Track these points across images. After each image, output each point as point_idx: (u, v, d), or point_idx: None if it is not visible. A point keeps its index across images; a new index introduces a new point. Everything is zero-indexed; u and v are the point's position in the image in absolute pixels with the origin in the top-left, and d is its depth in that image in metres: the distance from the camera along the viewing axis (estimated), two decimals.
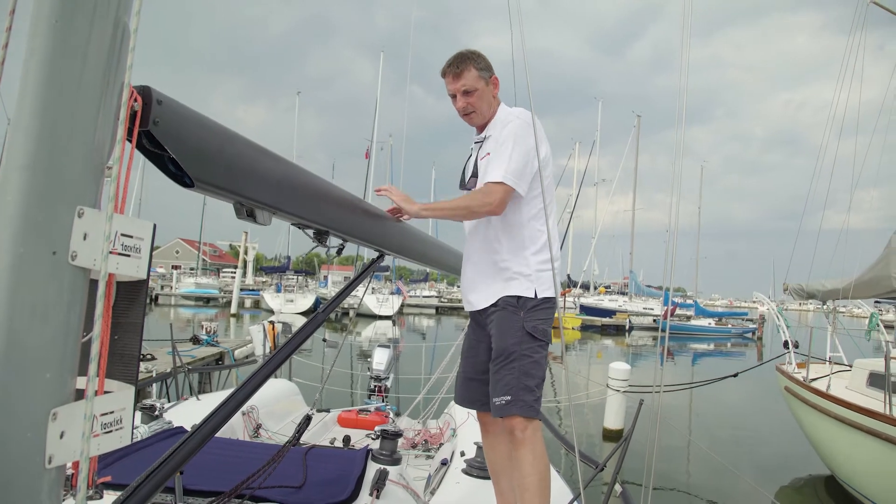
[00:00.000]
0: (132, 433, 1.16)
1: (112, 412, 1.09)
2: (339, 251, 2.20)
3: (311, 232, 1.99)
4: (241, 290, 40.24)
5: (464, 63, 2.46)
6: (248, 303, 43.39)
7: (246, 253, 42.56)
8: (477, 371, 2.51)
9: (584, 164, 46.14)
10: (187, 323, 27.24)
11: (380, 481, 2.63)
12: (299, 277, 47.07)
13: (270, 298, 39.64)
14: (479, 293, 2.50)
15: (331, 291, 43.99)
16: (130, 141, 1.21)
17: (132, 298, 1.21)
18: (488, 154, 2.45)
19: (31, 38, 0.95)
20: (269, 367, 1.91)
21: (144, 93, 1.21)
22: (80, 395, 1.01)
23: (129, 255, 1.11)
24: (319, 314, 2.04)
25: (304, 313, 36.69)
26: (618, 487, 2.96)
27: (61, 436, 0.95)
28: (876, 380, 7.46)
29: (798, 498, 8.22)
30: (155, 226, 1.20)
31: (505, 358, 2.27)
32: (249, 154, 1.58)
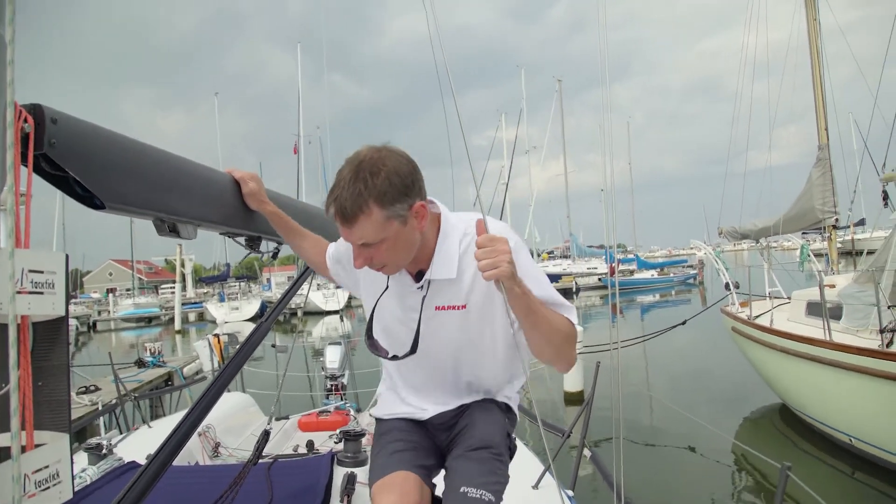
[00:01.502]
0: (73, 483, 1.07)
1: (46, 467, 0.99)
2: (275, 255, 2.11)
3: (242, 240, 1.90)
4: (183, 304, 39.20)
5: (357, 203, 1.42)
6: (192, 316, 42.36)
7: (183, 266, 41.37)
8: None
9: (512, 134, 46.35)
10: (131, 347, 26.39)
11: (349, 485, 2.56)
12: (241, 284, 46.14)
13: (215, 309, 38.77)
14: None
15: (276, 294, 43.33)
16: (26, 166, 1.10)
17: (52, 338, 1.11)
18: (462, 307, 1.63)
19: None
20: (221, 383, 1.82)
21: (36, 112, 1.10)
22: (4, 454, 0.92)
23: (41, 293, 1.01)
24: (265, 321, 1.95)
25: (251, 319, 36.06)
26: (587, 452, 2.98)
27: None
28: (814, 308, 7.76)
29: (755, 429, 8.52)
30: (67, 256, 1.10)
31: (493, 452, 1.69)
32: (164, 166, 1.47)
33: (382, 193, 1.41)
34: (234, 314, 36.47)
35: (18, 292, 0.94)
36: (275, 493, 2.30)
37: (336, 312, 34.37)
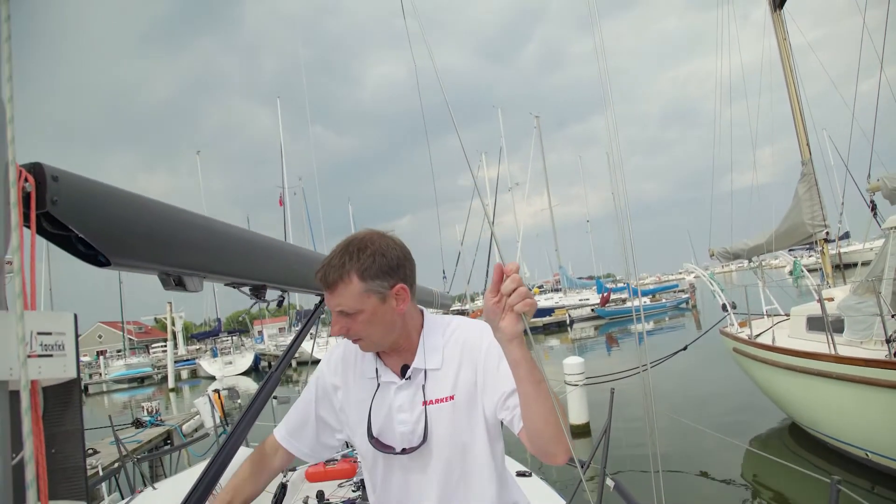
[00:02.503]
0: None
1: None
2: (280, 304, 2.07)
3: (247, 289, 1.86)
4: (176, 361, 38.77)
5: (339, 271, 1.53)
6: (185, 374, 41.83)
7: (173, 324, 41.01)
8: None
9: (494, 172, 46.75)
10: (123, 408, 25.98)
11: None
12: (233, 338, 45.82)
13: (208, 365, 38.38)
14: None
15: (268, 346, 42.98)
16: (28, 227, 1.07)
17: (65, 402, 1.06)
18: (451, 398, 1.63)
19: None
20: (236, 440, 1.77)
21: (36, 170, 1.07)
22: None
23: (51, 355, 0.97)
24: (274, 372, 1.91)
25: (245, 373, 35.68)
26: (609, 482, 2.90)
27: None
28: (814, 323, 7.75)
29: (766, 449, 8.42)
30: (76, 316, 1.06)
31: None
32: (168, 219, 1.44)
33: (365, 268, 1.52)
34: (228, 368, 36.12)
35: (29, 356, 0.90)
36: None
37: None
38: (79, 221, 1.14)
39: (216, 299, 49.28)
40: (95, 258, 1.24)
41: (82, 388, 1.06)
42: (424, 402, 1.63)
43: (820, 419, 7.34)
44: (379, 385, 1.70)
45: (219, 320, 49.29)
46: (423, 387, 1.65)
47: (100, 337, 69.50)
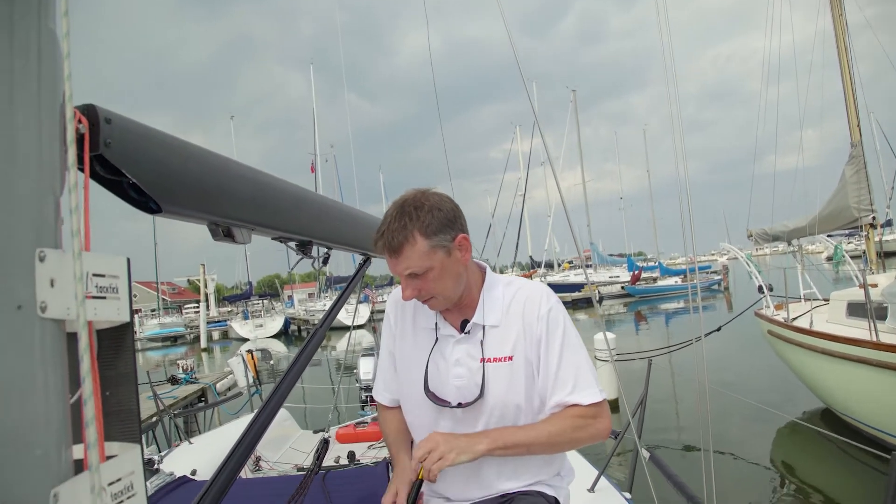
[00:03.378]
0: (146, 496, 1.02)
1: (119, 479, 0.93)
2: (325, 261, 2.06)
3: (293, 244, 1.85)
4: (208, 323, 39.46)
5: (402, 234, 1.52)
6: (216, 335, 42.68)
7: (206, 286, 41.70)
8: None
9: (528, 146, 46.30)
10: (157, 366, 26.60)
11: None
12: (264, 301, 46.45)
13: (239, 327, 39.04)
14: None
15: (298, 310, 43.51)
16: (82, 169, 1.06)
17: (118, 346, 1.05)
18: (509, 358, 1.62)
19: None
20: (279, 399, 1.78)
21: (89, 112, 1.06)
22: (79, 466, 0.86)
23: (105, 297, 0.96)
24: (319, 330, 1.90)
25: (275, 336, 36.22)
26: (644, 453, 2.86)
27: None
28: (855, 309, 7.58)
29: (798, 434, 8.33)
30: (129, 260, 1.05)
31: None
32: (219, 169, 1.43)
33: (426, 225, 1.53)
34: (258, 331, 36.70)
35: (86, 296, 0.89)
36: (334, 502, 2.24)
37: (361, 327, 34.35)
38: (131, 165, 1.13)
39: (248, 263, 49.99)
40: (147, 205, 1.23)
41: (133, 332, 1.05)
42: (482, 359, 1.63)
43: (856, 406, 7.21)
44: (437, 338, 1.70)
45: (250, 283, 49.99)
46: (482, 343, 1.64)
47: (135, 296, 70.72)
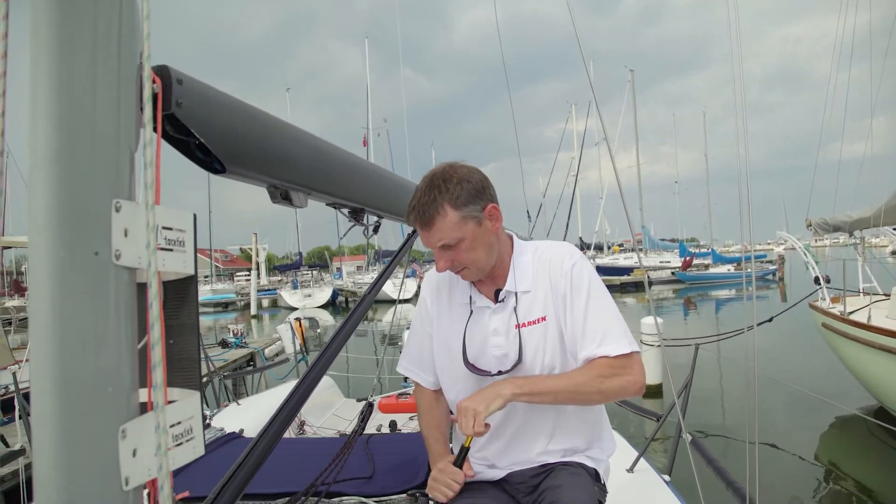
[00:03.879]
0: (204, 440, 1.07)
1: (180, 422, 0.99)
2: (376, 229, 2.09)
3: (346, 211, 1.89)
4: (258, 290, 40.34)
5: (433, 207, 1.57)
6: (265, 303, 43.55)
7: (258, 255, 42.57)
8: None
9: (582, 125, 45.69)
10: (209, 329, 27.36)
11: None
12: (313, 272, 47.17)
13: (288, 296, 39.79)
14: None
15: (346, 282, 44.09)
16: (154, 128, 1.10)
17: (182, 297, 1.10)
18: (542, 319, 1.66)
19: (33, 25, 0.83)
20: (322, 366, 1.84)
21: (163, 73, 1.10)
22: (143, 408, 0.92)
23: (172, 250, 1.01)
24: (366, 298, 1.94)
25: (322, 307, 36.81)
26: (686, 436, 2.85)
27: (134, 454, 0.86)
28: None
29: (847, 431, 8.13)
30: (195, 216, 1.10)
31: None
32: (281, 133, 1.47)
33: (455, 196, 1.57)
34: (307, 301, 37.33)
35: (156, 248, 0.94)
36: (376, 466, 2.31)
37: (408, 301, 34.66)
38: (199, 125, 1.17)
39: (298, 234, 50.77)
40: (211, 165, 1.28)
41: (197, 284, 1.10)
42: (517, 325, 1.67)
43: None
44: (472, 311, 1.74)
45: (300, 254, 50.86)
46: (516, 309, 1.68)
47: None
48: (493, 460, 1.77)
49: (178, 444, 0.97)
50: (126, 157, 0.93)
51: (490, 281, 1.73)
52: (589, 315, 1.63)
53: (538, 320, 1.66)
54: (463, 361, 1.70)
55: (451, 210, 1.57)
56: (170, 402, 0.98)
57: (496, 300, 1.71)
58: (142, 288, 0.93)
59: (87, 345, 0.82)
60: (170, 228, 1.01)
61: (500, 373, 1.66)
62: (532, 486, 1.71)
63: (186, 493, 1.81)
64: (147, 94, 0.96)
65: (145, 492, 0.93)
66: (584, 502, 1.57)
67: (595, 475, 1.73)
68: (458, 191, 1.57)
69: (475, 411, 1.52)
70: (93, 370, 0.82)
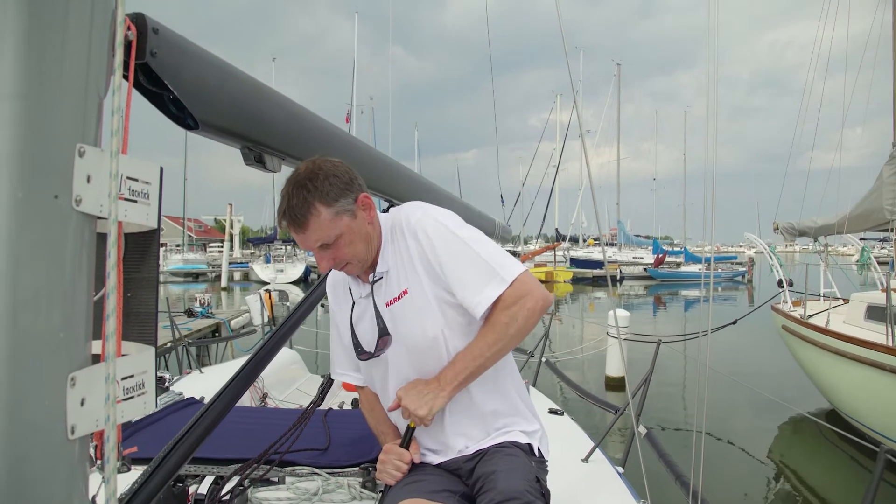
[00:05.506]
0: (156, 397, 1.06)
1: (132, 376, 0.98)
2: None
3: None
4: (230, 263, 40.01)
5: (304, 207, 1.51)
6: (237, 276, 43.24)
7: (232, 226, 42.14)
8: None
9: (567, 116, 45.77)
10: (177, 300, 27.10)
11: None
12: (287, 247, 46.86)
13: (260, 270, 39.53)
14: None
15: None
16: (126, 77, 1.08)
17: (143, 250, 1.09)
18: (404, 293, 1.65)
19: None
20: (280, 338, 1.83)
21: (139, 20, 1.08)
22: (96, 360, 0.90)
23: (136, 201, 0.99)
24: (326, 277, 1.94)
25: (294, 282, 36.62)
26: (642, 429, 2.90)
27: (82, 403, 0.84)
28: (874, 312, 7.50)
29: (799, 433, 8.33)
30: (162, 169, 1.08)
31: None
32: (259, 93, 1.45)
33: (325, 193, 1.52)
34: (279, 276, 37.13)
35: (118, 197, 0.92)
36: (332, 438, 2.31)
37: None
38: (174, 78, 1.15)
39: (275, 207, 50.19)
40: (185, 121, 1.26)
41: (159, 240, 1.08)
42: (387, 304, 1.67)
43: (864, 409, 7.17)
44: (354, 302, 1.75)
45: (275, 228, 50.36)
46: (382, 291, 1.69)
47: (162, 229, 71.74)
48: (433, 448, 1.78)
49: (128, 398, 0.96)
50: (94, 102, 0.91)
51: (370, 269, 1.71)
52: (457, 268, 1.59)
53: (400, 295, 1.66)
54: (356, 352, 1.73)
55: (324, 208, 1.52)
56: (123, 356, 0.97)
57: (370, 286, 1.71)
58: (102, 239, 0.91)
59: (41, 289, 0.80)
60: (135, 179, 0.99)
61: (375, 351, 1.68)
62: (468, 471, 1.70)
63: (134, 449, 1.80)
64: (119, 38, 0.93)
65: (92, 445, 0.92)
66: (519, 481, 1.56)
67: (529, 449, 1.72)
68: (327, 187, 1.53)
69: (421, 418, 1.58)
70: (45, 315, 0.81)
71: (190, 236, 62.07)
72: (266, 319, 8.64)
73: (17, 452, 0.77)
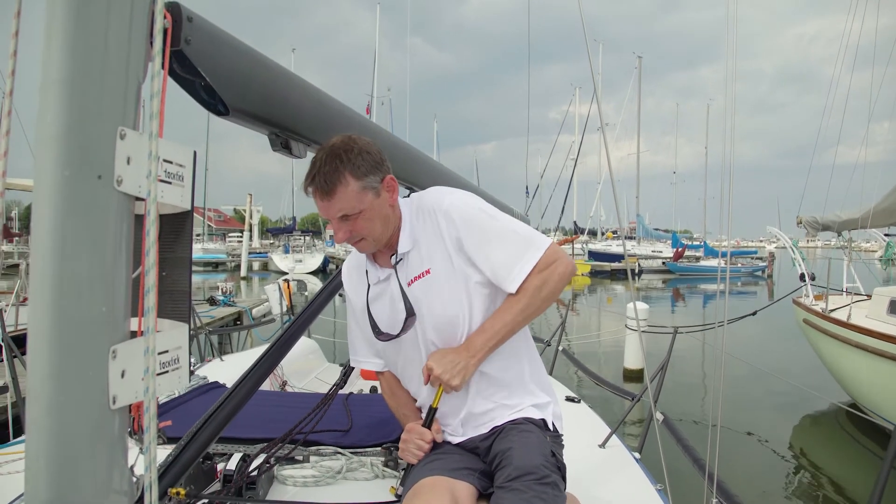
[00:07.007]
0: (189, 371, 1.10)
1: (167, 351, 1.02)
2: None
3: None
4: (249, 253, 40.28)
5: (335, 176, 1.56)
6: (256, 265, 43.50)
7: (251, 216, 42.43)
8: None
9: (586, 109, 45.50)
10: (197, 288, 27.38)
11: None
12: (306, 238, 47.11)
13: (279, 260, 39.77)
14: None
15: (338, 250, 44.09)
16: (162, 64, 1.11)
17: (178, 231, 1.13)
18: (427, 272, 1.70)
19: None
20: (299, 327, 1.87)
21: (174, 9, 1.11)
22: (134, 336, 0.94)
23: (171, 183, 1.03)
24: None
25: (313, 273, 36.83)
26: (659, 416, 2.90)
27: (122, 374, 0.88)
28: None
29: (819, 426, 8.28)
30: (196, 153, 1.11)
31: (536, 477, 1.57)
32: (286, 81, 1.48)
33: (357, 166, 1.57)
34: (298, 266, 37.33)
35: (156, 177, 0.95)
36: (354, 420, 2.35)
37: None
38: (207, 65, 1.18)
39: (294, 198, 50.59)
40: (215, 107, 1.29)
41: (193, 220, 1.11)
42: (409, 283, 1.71)
43: (884, 403, 7.11)
44: (369, 285, 1.79)
45: (294, 219, 50.73)
46: (405, 270, 1.73)
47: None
48: (450, 429, 1.82)
49: (164, 371, 1.00)
50: (133, 88, 0.94)
51: (388, 250, 1.75)
52: (490, 244, 1.66)
53: (421, 274, 1.70)
54: (374, 334, 1.76)
55: (353, 180, 1.57)
56: (158, 332, 1.01)
57: (393, 267, 1.74)
58: (139, 220, 0.95)
59: (86, 265, 0.84)
60: (170, 162, 1.03)
61: (401, 333, 1.71)
62: (486, 449, 1.74)
63: (169, 422, 1.84)
64: (158, 27, 0.97)
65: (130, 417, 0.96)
66: (535, 456, 1.60)
67: (543, 424, 1.76)
68: (360, 161, 1.58)
69: (448, 381, 1.62)
70: (89, 289, 0.85)
71: (210, 226, 62.53)
72: (285, 309, 8.72)
73: (64, 420, 0.81)
